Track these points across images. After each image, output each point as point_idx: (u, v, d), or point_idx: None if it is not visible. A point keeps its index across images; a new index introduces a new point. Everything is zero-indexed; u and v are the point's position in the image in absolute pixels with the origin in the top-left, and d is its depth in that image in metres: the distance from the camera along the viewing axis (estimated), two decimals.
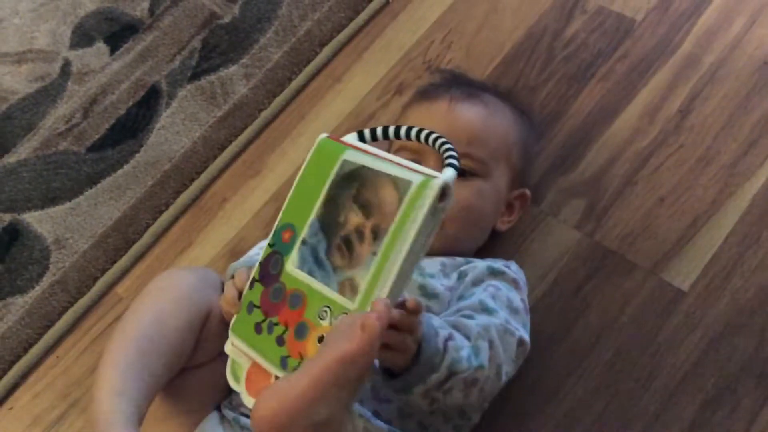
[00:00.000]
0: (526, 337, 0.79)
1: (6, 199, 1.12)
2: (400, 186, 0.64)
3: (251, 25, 1.21)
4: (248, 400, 0.70)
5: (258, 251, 0.86)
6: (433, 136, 0.70)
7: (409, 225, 0.62)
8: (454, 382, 0.69)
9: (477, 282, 0.81)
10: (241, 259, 0.85)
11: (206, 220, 1.08)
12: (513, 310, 0.79)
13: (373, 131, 0.74)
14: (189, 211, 1.09)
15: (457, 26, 1.16)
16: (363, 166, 0.68)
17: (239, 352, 0.73)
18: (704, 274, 0.92)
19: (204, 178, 1.10)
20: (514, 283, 0.83)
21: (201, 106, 1.15)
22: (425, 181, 0.63)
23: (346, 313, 0.63)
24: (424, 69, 1.14)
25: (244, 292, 0.73)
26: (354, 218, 0.66)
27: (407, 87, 1.13)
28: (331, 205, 0.69)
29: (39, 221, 1.10)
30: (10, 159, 1.16)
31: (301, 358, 0.68)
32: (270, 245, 0.73)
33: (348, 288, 0.65)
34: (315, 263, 0.68)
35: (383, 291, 0.62)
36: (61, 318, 1.03)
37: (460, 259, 0.85)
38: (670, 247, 0.94)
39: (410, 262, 0.63)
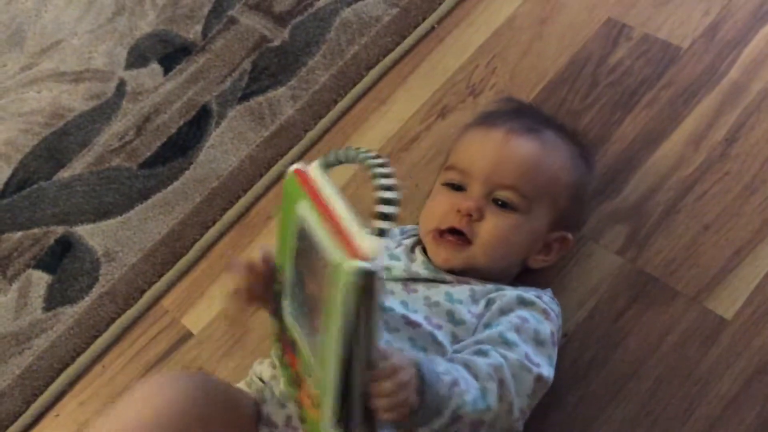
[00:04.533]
0: (547, 372, 0.77)
1: (60, 212, 1.16)
2: (328, 264, 0.58)
3: (300, 48, 1.23)
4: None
5: None
6: (380, 172, 0.59)
7: (336, 323, 0.57)
8: (460, 425, 0.69)
9: (505, 311, 0.80)
10: None
11: (251, 236, 1.10)
12: (538, 343, 0.78)
13: (337, 155, 0.65)
14: (235, 227, 1.11)
15: (502, 52, 1.17)
16: (305, 229, 0.62)
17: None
18: (748, 303, 0.90)
19: (250, 195, 1.13)
20: (545, 314, 0.81)
21: (249, 126, 1.18)
22: (339, 265, 0.55)
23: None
24: (467, 93, 1.15)
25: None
26: (309, 283, 0.63)
27: (450, 111, 1.14)
28: (300, 257, 0.66)
29: (90, 234, 1.13)
30: (65, 173, 1.20)
31: (302, 408, 0.70)
32: (276, 282, 0.72)
33: (315, 355, 0.63)
34: (299, 314, 0.67)
35: (329, 398, 0.60)
36: (108, 329, 1.06)
37: (490, 286, 0.85)
38: (713, 275, 0.93)
39: (359, 349, 0.58)
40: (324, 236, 0.59)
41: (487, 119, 0.94)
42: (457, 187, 0.89)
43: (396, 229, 0.97)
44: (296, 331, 0.68)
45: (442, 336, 0.80)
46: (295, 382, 0.71)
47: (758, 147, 1.01)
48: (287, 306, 0.69)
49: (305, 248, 0.63)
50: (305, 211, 0.62)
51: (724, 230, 0.96)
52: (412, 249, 0.91)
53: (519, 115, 0.94)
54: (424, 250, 0.90)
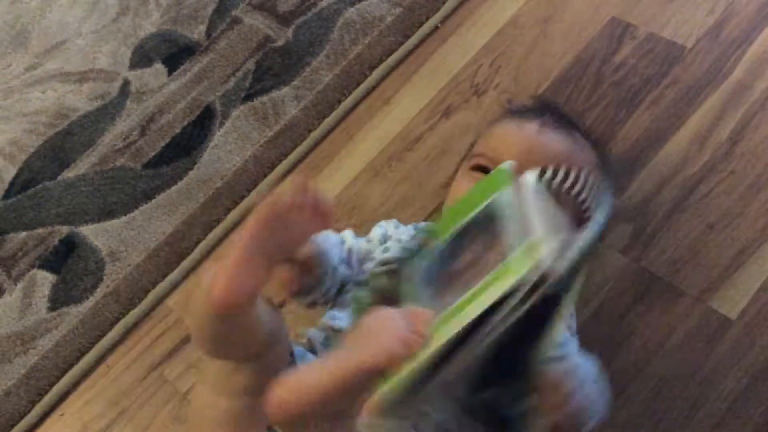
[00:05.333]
0: None
1: (64, 212, 1.17)
2: (506, 251, 0.59)
3: (303, 48, 1.24)
4: None
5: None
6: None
7: (485, 302, 0.57)
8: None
9: None
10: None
11: None
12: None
13: (555, 173, 0.68)
14: (239, 227, 1.12)
15: (506, 51, 1.17)
16: (494, 213, 0.65)
17: None
18: (753, 303, 0.90)
19: (254, 195, 1.13)
20: None
21: (253, 126, 1.18)
22: (532, 246, 0.58)
23: None
24: (471, 93, 1.15)
25: None
26: (465, 257, 0.65)
27: (454, 110, 1.14)
28: (468, 233, 0.67)
29: (95, 234, 1.14)
30: (70, 173, 1.20)
31: None
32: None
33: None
34: (430, 280, 0.68)
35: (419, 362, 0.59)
36: (112, 328, 1.06)
37: None
38: (718, 274, 0.93)
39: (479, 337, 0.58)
40: (515, 228, 0.61)
41: (518, 112, 0.95)
42: (486, 171, 0.88)
43: (410, 226, 0.98)
44: (412, 291, 0.68)
45: None
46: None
47: (763, 146, 1.00)
48: (415, 267, 0.70)
49: (483, 228, 0.65)
50: (506, 198, 0.65)
51: (728, 229, 0.96)
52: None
53: (549, 111, 0.94)
54: None
